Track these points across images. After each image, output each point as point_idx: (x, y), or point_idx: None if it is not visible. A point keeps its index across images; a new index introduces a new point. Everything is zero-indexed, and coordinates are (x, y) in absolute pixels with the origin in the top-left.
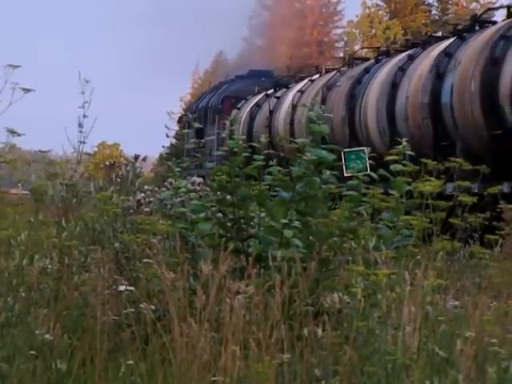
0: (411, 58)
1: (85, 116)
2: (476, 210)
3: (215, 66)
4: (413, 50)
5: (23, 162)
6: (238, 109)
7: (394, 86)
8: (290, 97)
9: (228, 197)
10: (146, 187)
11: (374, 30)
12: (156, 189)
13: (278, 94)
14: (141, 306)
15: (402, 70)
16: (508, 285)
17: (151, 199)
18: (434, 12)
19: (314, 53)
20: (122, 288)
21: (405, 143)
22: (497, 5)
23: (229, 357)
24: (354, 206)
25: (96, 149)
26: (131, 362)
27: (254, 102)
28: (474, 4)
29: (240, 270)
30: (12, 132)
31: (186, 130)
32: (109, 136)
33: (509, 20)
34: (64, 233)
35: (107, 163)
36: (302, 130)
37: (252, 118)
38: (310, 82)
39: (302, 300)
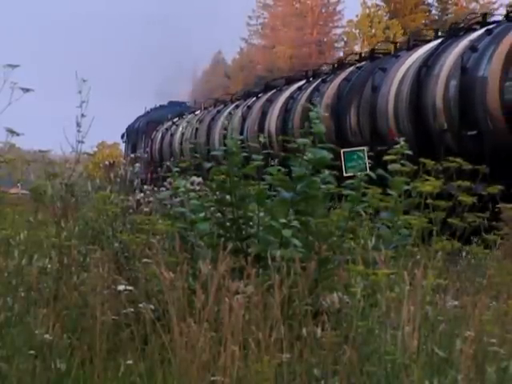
0: (270, 101)
1: (83, 115)
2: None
3: (214, 66)
4: (272, 93)
5: (22, 161)
6: (157, 131)
7: (248, 119)
8: (182, 124)
9: (227, 196)
10: (145, 187)
11: (373, 30)
12: (155, 188)
13: (178, 122)
14: (140, 305)
15: (265, 110)
16: (507, 285)
17: (151, 199)
18: (433, 12)
19: (313, 53)
20: (121, 288)
21: (403, 143)
22: (496, 5)
23: (228, 357)
24: (353, 205)
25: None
26: (130, 361)
27: (165, 126)
28: (473, 4)
29: (239, 270)
30: (11, 132)
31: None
32: (109, 136)
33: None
34: (63, 232)
35: (106, 163)
36: (187, 149)
37: (162, 138)
38: (193, 115)
39: (302, 300)
